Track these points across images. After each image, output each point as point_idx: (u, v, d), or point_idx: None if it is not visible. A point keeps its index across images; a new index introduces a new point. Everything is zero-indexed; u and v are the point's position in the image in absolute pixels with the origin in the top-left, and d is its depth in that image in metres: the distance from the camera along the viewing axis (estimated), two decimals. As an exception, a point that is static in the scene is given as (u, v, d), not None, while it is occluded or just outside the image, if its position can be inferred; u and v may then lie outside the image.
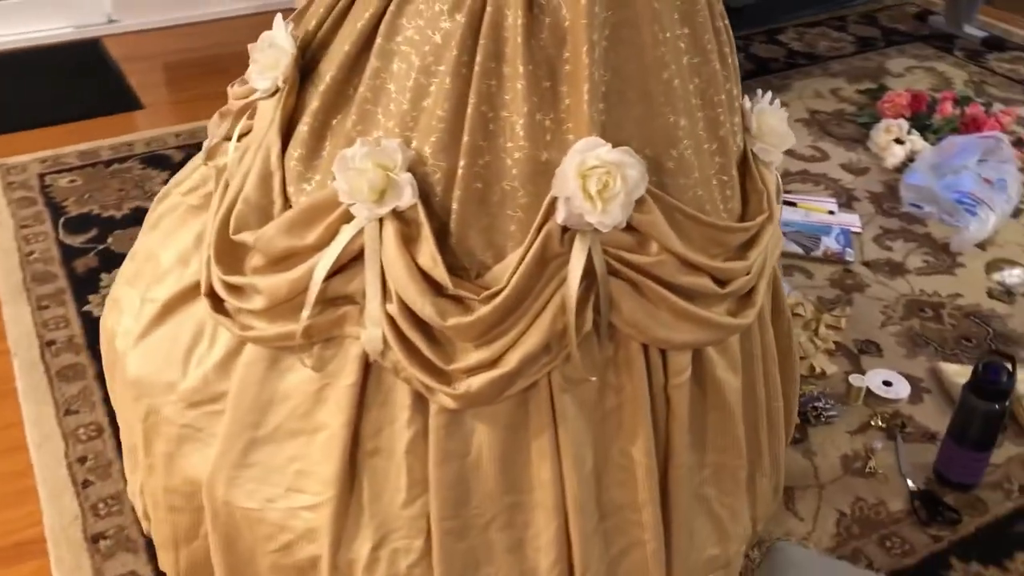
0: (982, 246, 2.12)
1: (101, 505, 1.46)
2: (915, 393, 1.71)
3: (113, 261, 1.98)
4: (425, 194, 0.96)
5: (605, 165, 0.90)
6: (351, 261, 0.99)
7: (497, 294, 0.94)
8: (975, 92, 2.79)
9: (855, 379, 1.69)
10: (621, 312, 0.99)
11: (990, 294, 1.98)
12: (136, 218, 2.12)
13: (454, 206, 0.96)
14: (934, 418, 1.67)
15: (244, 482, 1.05)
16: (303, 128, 1.04)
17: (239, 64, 3.02)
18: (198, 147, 2.37)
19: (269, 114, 1.08)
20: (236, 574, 1.09)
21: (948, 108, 2.53)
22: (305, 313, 1.00)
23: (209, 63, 2.85)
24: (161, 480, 1.11)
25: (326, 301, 1.00)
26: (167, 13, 3.04)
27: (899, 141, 2.42)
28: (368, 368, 1.01)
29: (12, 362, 1.73)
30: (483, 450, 1.01)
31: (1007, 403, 1.44)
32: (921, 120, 2.49)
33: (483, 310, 0.94)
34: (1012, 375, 1.44)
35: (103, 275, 1.95)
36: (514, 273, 0.94)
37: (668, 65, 0.96)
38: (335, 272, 0.99)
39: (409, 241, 0.97)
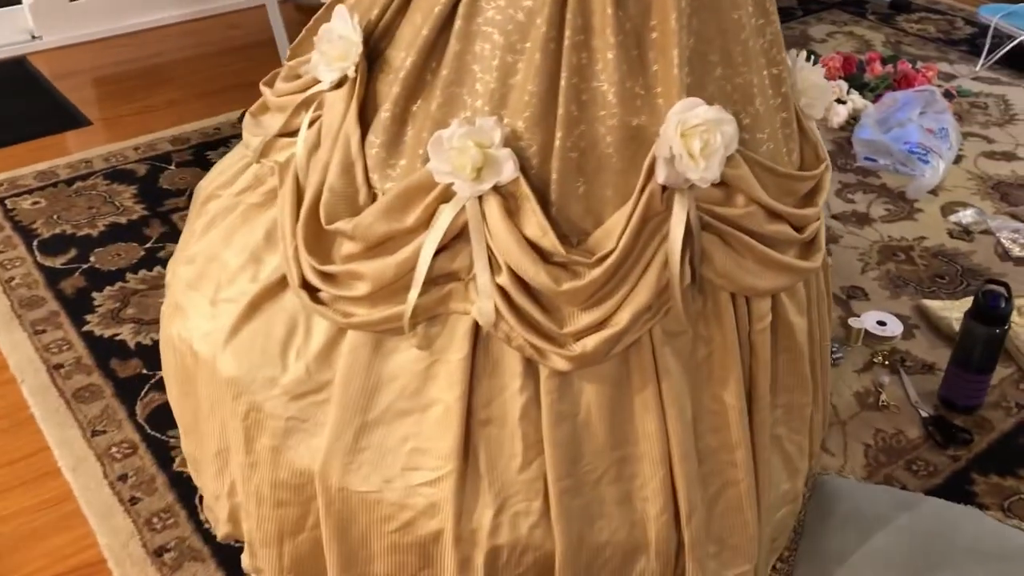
0: (934, 191, 2.27)
1: (155, 520, 1.44)
2: (906, 329, 1.83)
3: (101, 279, 1.94)
4: (522, 168, 1.00)
5: (706, 123, 0.96)
6: (453, 239, 1.02)
7: (606, 257, 0.99)
8: (894, 52, 2.96)
9: (853, 322, 1.81)
10: (713, 264, 1.04)
11: (951, 234, 2.13)
12: (115, 234, 2.07)
13: (553, 176, 1.00)
14: (927, 350, 1.79)
15: (359, 466, 1.06)
16: (384, 115, 1.06)
17: (181, 72, 3.01)
18: (160, 159, 2.35)
19: (341, 104, 1.09)
20: (349, 560, 1.10)
21: (877, 67, 2.69)
22: (414, 293, 1.02)
23: (149, 74, 2.78)
24: (267, 475, 1.11)
25: (430, 280, 1.02)
26: (94, 26, 2.95)
27: (840, 101, 2.55)
28: (476, 341, 1.04)
29: (21, 389, 1.68)
30: (592, 408, 1.05)
31: (1006, 327, 1.57)
32: (856, 80, 2.64)
33: (595, 273, 0.99)
34: (1010, 301, 1.56)
35: (95, 294, 1.90)
36: (621, 235, 0.99)
37: (744, 27, 1.02)
38: (438, 251, 1.02)
39: (511, 214, 1.00)
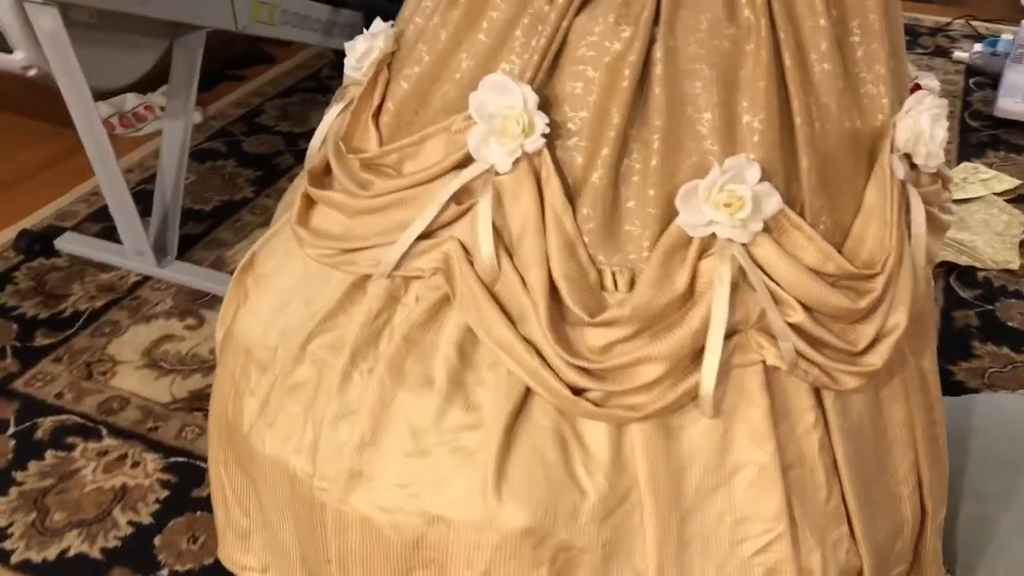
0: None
1: None
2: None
3: (-18, 492, 1.48)
4: (773, 198, 0.96)
5: (939, 111, 0.99)
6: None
7: (886, 263, 0.99)
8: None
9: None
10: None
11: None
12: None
13: (806, 198, 0.97)
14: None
15: (691, 562, 0.96)
16: (597, 182, 0.95)
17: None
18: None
19: (528, 185, 0.95)
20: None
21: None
22: (712, 360, 0.93)
23: None
24: (589, 618, 0.95)
25: (716, 341, 0.95)
26: None
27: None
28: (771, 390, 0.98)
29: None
30: (863, 416, 1.05)
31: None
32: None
33: (880, 281, 0.98)
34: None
35: (-11, 513, 1.45)
36: (890, 238, 0.99)
37: (901, 17, 1.06)
38: (716, 309, 0.94)
39: (784, 247, 0.96)
